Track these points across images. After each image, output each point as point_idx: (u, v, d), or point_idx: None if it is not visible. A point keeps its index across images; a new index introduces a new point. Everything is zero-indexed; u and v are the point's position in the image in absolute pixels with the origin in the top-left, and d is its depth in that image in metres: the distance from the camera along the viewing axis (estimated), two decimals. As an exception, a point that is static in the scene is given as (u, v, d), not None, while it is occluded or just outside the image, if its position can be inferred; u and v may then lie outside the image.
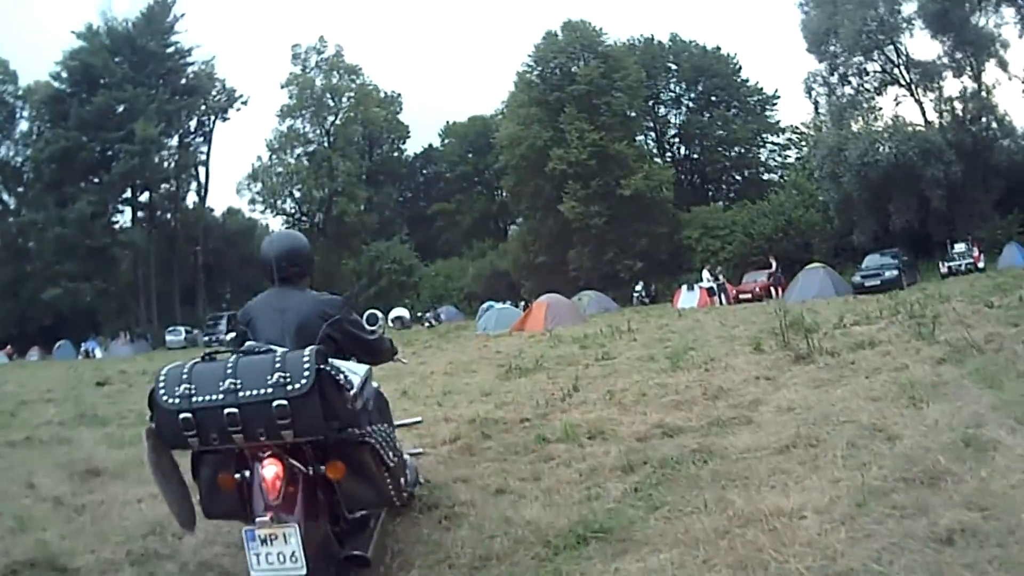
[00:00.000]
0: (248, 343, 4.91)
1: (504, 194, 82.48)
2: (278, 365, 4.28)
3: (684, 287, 44.46)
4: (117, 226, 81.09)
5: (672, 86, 78.43)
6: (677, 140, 79.64)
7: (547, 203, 64.92)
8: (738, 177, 78.20)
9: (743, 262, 54.70)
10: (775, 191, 63.81)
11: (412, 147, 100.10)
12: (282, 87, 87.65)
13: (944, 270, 40.33)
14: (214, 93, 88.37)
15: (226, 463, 4.57)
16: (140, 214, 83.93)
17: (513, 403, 11.57)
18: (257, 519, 4.27)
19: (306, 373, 4.25)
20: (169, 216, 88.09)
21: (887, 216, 49.08)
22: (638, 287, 57.09)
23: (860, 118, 53.03)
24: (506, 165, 69.75)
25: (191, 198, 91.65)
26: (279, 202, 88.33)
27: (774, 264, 43.17)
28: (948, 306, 18.31)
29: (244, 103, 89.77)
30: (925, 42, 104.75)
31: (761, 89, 76.90)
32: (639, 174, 61.85)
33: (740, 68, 77.09)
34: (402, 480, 4.99)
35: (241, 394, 4.22)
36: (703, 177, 79.29)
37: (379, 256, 79.81)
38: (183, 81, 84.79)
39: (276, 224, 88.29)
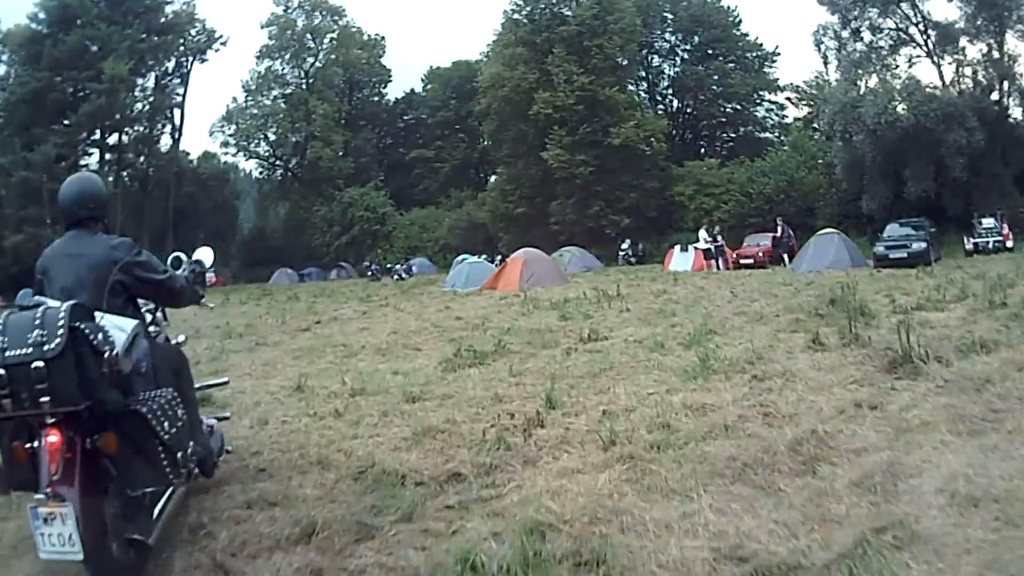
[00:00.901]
0: (37, 296, 4.62)
1: (486, 141, 77.86)
2: (37, 322, 4.01)
3: (677, 248, 40.38)
4: (84, 170, 75.99)
5: (668, 36, 74.09)
6: (670, 92, 75.15)
7: (529, 150, 60.46)
8: (733, 135, 73.62)
9: (740, 223, 50.68)
10: (774, 150, 60.61)
11: (394, 92, 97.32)
12: (262, 27, 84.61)
13: (969, 246, 36.39)
14: (193, 33, 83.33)
15: (19, 431, 4.27)
16: (108, 156, 79.72)
17: (445, 430, 7.23)
18: (36, 496, 4.02)
19: (60, 331, 3.96)
20: (142, 159, 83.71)
21: (901, 183, 44.97)
22: (625, 245, 52.68)
23: (874, 75, 49.02)
24: (488, 108, 64.70)
25: (165, 141, 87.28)
26: (253, 145, 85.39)
27: (781, 227, 39.03)
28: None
29: (223, 44, 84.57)
30: (942, 3, 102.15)
31: (760, 45, 72.58)
32: (630, 122, 56.95)
33: (740, 21, 72.74)
34: (181, 455, 4.53)
35: (8, 353, 3.93)
36: (695, 132, 75.16)
37: (352, 203, 76.04)
38: (161, 20, 80.00)
39: (250, 166, 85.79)
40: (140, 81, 79.89)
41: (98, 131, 76.91)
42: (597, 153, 56.52)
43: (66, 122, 73.35)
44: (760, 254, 38.81)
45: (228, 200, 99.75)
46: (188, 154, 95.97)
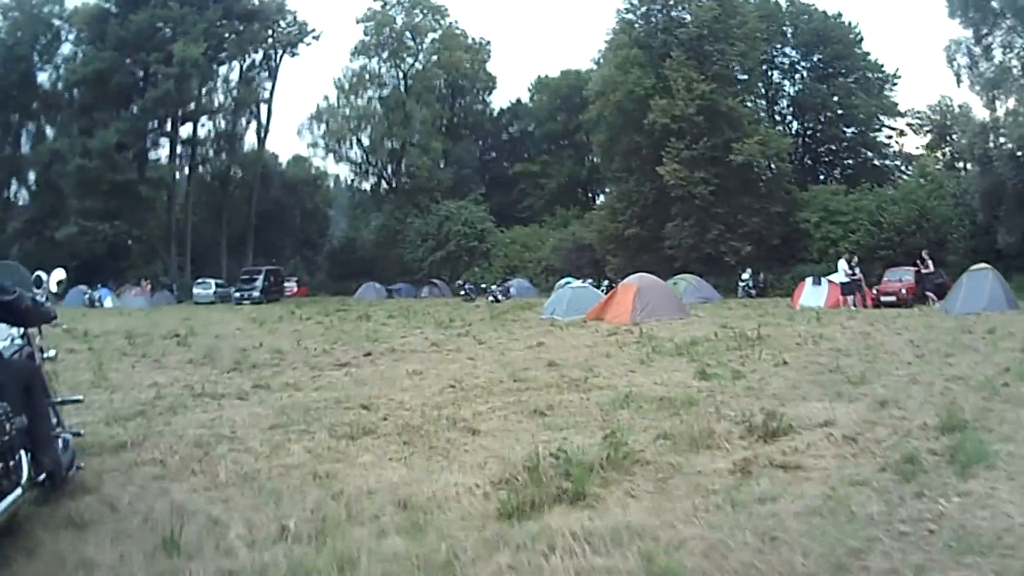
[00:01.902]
0: None
1: (595, 158, 74.14)
2: None
3: (809, 280, 35.62)
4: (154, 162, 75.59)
5: (788, 51, 69.50)
6: (790, 111, 70.54)
7: (644, 164, 55.18)
8: (853, 160, 69.03)
9: (868, 255, 45.44)
10: (900, 177, 58.87)
11: (498, 102, 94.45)
12: (358, 22, 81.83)
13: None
14: (283, 25, 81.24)
15: None
16: (180, 150, 77.50)
17: None
18: None
19: None
20: (224, 156, 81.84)
21: (1045, 215, 40.96)
22: (745, 275, 47.96)
23: (1014, 95, 45.07)
24: (598, 116, 60.28)
25: (250, 139, 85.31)
26: (344, 148, 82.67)
27: (930, 263, 34.48)
28: None
29: (316, 37, 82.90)
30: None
31: (881, 66, 67.94)
32: (753, 138, 52.01)
33: (861, 39, 68.33)
34: (11, 464, 4.90)
35: None
36: (814, 157, 70.36)
37: (449, 216, 71.97)
38: (244, 6, 77.30)
39: (341, 171, 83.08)
40: (221, 71, 78.65)
41: (169, 121, 74.67)
42: (717, 171, 51.84)
43: (134, 108, 71.26)
44: (903, 291, 33.93)
45: (319, 208, 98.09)
46: (277, 156, 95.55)
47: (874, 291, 34.52)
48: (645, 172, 55.14)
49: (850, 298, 31.74)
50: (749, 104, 60.36)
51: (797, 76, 69.47)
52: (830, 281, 33.62)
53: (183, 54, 66.83)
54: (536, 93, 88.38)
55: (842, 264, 32.60)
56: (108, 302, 56.33)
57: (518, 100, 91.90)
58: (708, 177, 51.44)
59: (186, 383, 12.96)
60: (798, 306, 32.44)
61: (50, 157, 70.22)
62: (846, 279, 32.05)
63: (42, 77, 77.46)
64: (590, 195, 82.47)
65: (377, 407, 10.38)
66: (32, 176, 76.45)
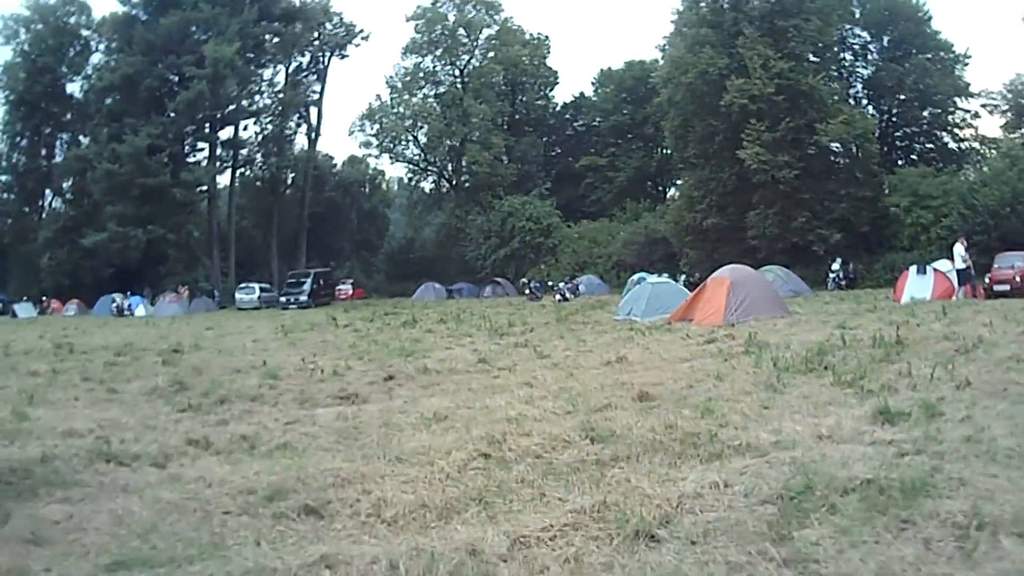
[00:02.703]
0: None
1: (665, 149, 71.15)
2: None
3: (912, 269, 31.53)
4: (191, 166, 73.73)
5: (859, 31, 65.66)
6: (865, 94, 66.88)
7: (721, 149, 51.69)
8: (930, 144, 65.31)
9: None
10: (978, 160, 57.18)
11: (561, 96, 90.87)
12: (408, 20, 78.97)
13: None
14: (330, 27, 79.79)
15: None
16: (221, 152, 75.88)
17: None
18: None
19: None
20: (271, 159, 79.94)
21: None
22: (836, 265, 44.58)
23: None
24: (669, 101, 56.22)
25: (301, 142, 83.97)
26: (399, 146, 79.79)
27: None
28: None
29: (364, 39, 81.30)
30: None
31: (952, 46, 63.98)
32: (837, 118, 48.91)
33: (930, 18, 64.30)
34: None
35: None
36: (892, 140, 66.44)
37: (513, 212, 68.89)
38: (281, 6, 75.70)
39: (398, 171, 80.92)
40: (266, 74, 77.45)
41: (207, 125, 72.79)
42: (800, 154, 48.80)
43: (171, 114, 69.39)
44: (1017, 278, 30.31)
45: (377, 208, 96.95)
46: (331, 157, 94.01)
47: (985, 279, 31.19)
48: (723, 158, 51.75)
49: (960, 289, 28.73)
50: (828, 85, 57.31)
51: (869, 58, 66.09)
52: (936, 269, 30.27)
53: (215, 54, 64.84)
54: (600, 86, 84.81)
55: (958, 249, 29.10)
56: (141, 310, 54.71)
57: (581, 94, 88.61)
58: (792, 161, 48.08)
59: (112, 430, 10.17)
60: (903, 299, 28.84)
61: (81, 165, 69.34)
62: (963, 265, 28.91)
63: (73, 87, 77.37)
64: (659, 188, 79.49)
65: (337, 511, 6.53)
66: (65, 185, 76.14)
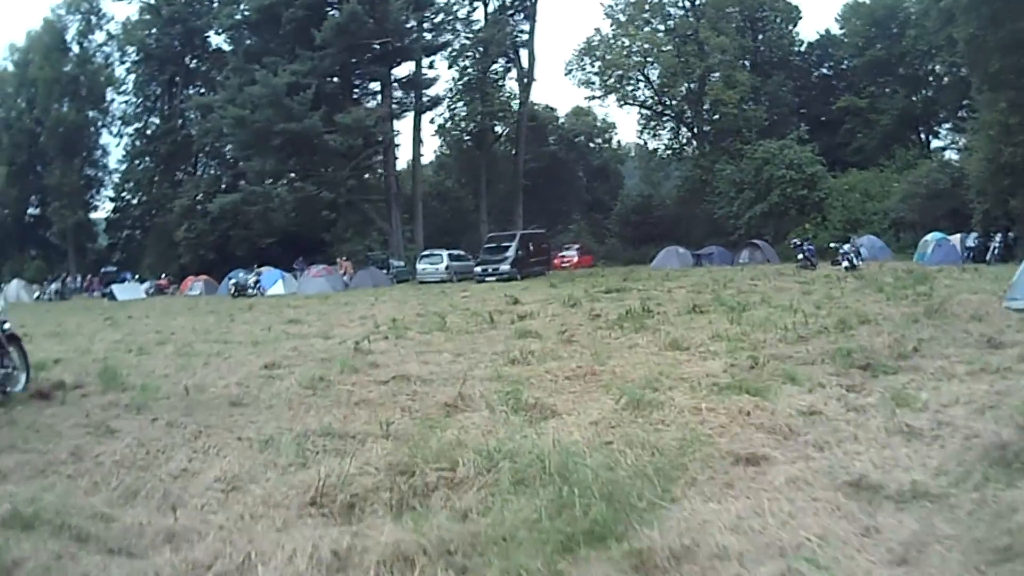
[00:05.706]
0: None
1: (926, 92, 63.85)
2: None
3: None
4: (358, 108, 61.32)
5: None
6: None
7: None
8: None
9: None
10: None
11: (804, 35, 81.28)
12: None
13: None
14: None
15: None
16: (401, 95, 66.22)
17: None
18: None
19: None
20: (479, 108, 70.11)
21: None
22: None
23: None
24: (950, 7, 44.46)
25: (513, 88, 74.82)
26: (627, 86, 71.28)
27: None
28: None
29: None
30: None
31: None
32: None
33: None
34: None
35: None
36: None
37: (769, 160, 59.89)
38: None
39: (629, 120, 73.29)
40: (461, 13, 67.63)
41: (370, 59, 61.38)
42: None
43: (320, 45, 56.92)
44: None
45: (609, 164, 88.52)
46: (554, 109, 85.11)
47: None
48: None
49: None
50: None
51: None
52: None
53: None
54: (846, 21, 76.11)
55: None
56: (279, 287, 46.92)
57: (827, 32, 79.71)
58: None
59: None
60: None
61: (209, 119, 61.45)
62: None
63: (209, 35, 71.90)
64: (923, 136, 70.77)
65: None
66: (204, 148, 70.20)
